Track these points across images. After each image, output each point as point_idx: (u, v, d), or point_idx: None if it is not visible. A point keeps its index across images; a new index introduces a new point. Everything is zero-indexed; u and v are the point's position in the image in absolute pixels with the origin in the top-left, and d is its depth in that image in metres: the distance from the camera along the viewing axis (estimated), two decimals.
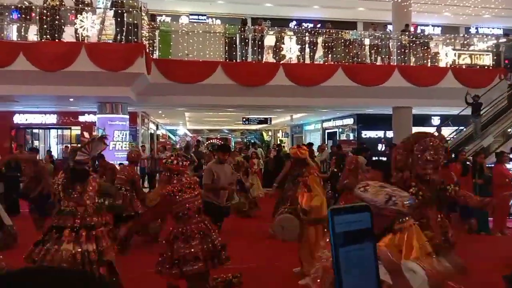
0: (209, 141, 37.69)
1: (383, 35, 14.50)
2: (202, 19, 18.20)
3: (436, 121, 19.15)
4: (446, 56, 14.75)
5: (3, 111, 17.20)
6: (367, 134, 19.48)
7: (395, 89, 13.72)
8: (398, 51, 14.27)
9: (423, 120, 18.14)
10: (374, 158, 11.04)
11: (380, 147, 17.62)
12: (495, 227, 8.70)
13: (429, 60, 14.56)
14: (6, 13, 11.59)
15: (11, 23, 11.76)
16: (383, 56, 14.22)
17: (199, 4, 17.61)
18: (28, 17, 11.50)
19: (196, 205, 4.28)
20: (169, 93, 13.04)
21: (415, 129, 15.57)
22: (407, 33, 14.47)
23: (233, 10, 18.00)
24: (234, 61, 13.23)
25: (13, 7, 11.58)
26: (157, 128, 26.96)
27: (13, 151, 15.21)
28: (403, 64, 14.10)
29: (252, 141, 32.33)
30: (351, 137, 19.99)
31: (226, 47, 13.28)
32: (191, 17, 18.27)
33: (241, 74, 12.89)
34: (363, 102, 14.78)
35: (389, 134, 17.30)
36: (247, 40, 13.43)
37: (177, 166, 4.31)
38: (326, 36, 13.90)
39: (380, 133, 19.26)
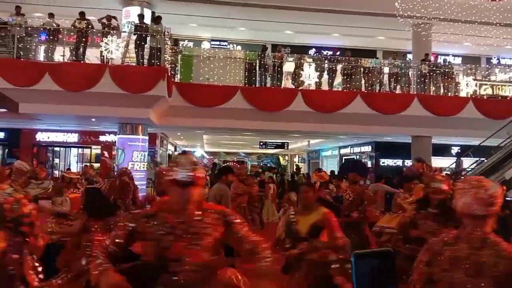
0: (225, 164, 37.75)
1: (402, 64, 14.52)
2: (223, 45, 18.55)
3: (456, 151, 18.87)
4: (467, 86, 14.64)
5: (27, 129, 17.67)
6: (385, 162, 19.28)
7: (415, 118, 13.62)
8: (418, 80, 14.24)
9: (443, 149, 17.90)
10: None
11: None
12: None
13: (449, 90, 14.46)
14: (35, 35, 12.02)
15: (40, 44, 12.20)
16: (403, 85, 14.20)
17: (221, 31, 17.97)
18: (55, 38, 11.91)
19: None
20: (189, 116, 13.22)
21: (435, 159, 15.39)
22: (427, 62, 14.46)
23: (254, 37, 18.29)
24: (253, 86, 13.38)
25: (42, 29, 12.02)
26: (175, 150, 27.19)
27: (34, 168, 15.47)
28: (422, 93, 14.03)
29: (269, 165, 32.27)
30: (369, 165, 19.80)
31: (246, 73, 13.47)
32: (212, 42, 18.64)
33: (259, 99, 13.01)
34: (381, 130, 14.70)
35: (408, 162, 17.08)
36: (266, 66, 13.60)
37: None
38: (345, 63, 13.98)
39: (398, 162, 19.03)
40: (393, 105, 13.50)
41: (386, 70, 14.46)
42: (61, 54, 11.81)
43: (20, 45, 11.24)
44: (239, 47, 18.66)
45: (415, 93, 14.08)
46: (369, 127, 14.40)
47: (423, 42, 15.51)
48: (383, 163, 19.20)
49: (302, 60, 14.02)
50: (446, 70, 14.56)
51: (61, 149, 19.07)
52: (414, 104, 13.58)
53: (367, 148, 20.27)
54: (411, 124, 13.94)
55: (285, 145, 22.14)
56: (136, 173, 12.26)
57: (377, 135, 16.62)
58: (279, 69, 13.60)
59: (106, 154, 18.08)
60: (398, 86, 14.26)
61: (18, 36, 11.24)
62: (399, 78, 14.18)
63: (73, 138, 18.39)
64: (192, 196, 2.31)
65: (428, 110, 13.64)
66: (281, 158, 37.18)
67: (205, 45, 18.48)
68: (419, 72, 14.26)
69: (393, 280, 0.74)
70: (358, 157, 21.83)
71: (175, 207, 2.34)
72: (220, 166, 19.43)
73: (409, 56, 16.65)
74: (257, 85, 13.48)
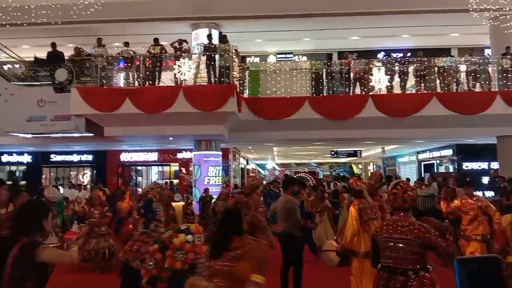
0: (297, 175, 37.69)
1: (481, 60, 13.62)
2: (289, 57, 18.70)
3: None
4: None
5: (113, 150, 19.06)
6: (468, 165, 18.09)
7: (499, 117, 12.67)
8: (499, 76, 13.26)
9: None
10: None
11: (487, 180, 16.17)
12: None
13: None
14: (115, 63, 12.98)
15: (119, 71, 13.16)
16: (482, 82, 13.31)
17: (286, 43, 18.13)
18: (132, 65, 12.79)
19: None
20: (259, 129, 13.47)
21: None
22: (508, 56, 13.43)
23: (320, 46, 18.20)
24: (321, 95, 13.28)
25: (120, 57, 12.97)
26: (247, 163, 27.71)
27: (119, 186, 16.56)
28: (506, 89, 13.03)
29: (341, 174, 31.68)
30: (451, 169, 18.70)
31: (313, 82, 13.43)
32: (278, 56, 18.87)
33: (328, 107, 12.88)
34: (462, 132, 13.89)
35: (494, 165, 15.88)
36: (333, 74, 13.45)
37: None
38: (418, 64, 13.42)
39: (483, 165, 17.78)
40: (474, 105, 12.67)
41: (463, 68, 13.66)
42: (138, 79, 12.65)
43: (102, 74, 12.23)
44: (304, 58, 18.68)
45: (497, 90, 13.12)
46: (448, 130, 13.64)
47: (503, 35, 14.43)
48: (466, 167, 18.03)
49: (370, 65, 13.68)
50: None
51: (143, 167, 20.30)
52: (497, 101, 12.64)
53: (448, 152, 19.18)
54: (495, 123, 12.99)
55: (358, 153, 21.65)
56: (212, 187, 12.73)
57: (458, 137, 15.69)
58: (347, 75, 13.40)
59: (183, 170, 18.94)
60: (478, 84, 13.39)
61: (100, 66, 12.23)
62: (478, 75, 13.32)
63: (153, 157, 19.51)
64: None
65: None
66: (354, 167, 36.31)
67: (271, 58, 18.76)
68: (500, 68, 13.29)
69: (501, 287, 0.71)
70: (438, 162, 20.73)
71: None
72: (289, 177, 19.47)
73: (487, 51, 15.59)
74: (324, 94, 13.37)
